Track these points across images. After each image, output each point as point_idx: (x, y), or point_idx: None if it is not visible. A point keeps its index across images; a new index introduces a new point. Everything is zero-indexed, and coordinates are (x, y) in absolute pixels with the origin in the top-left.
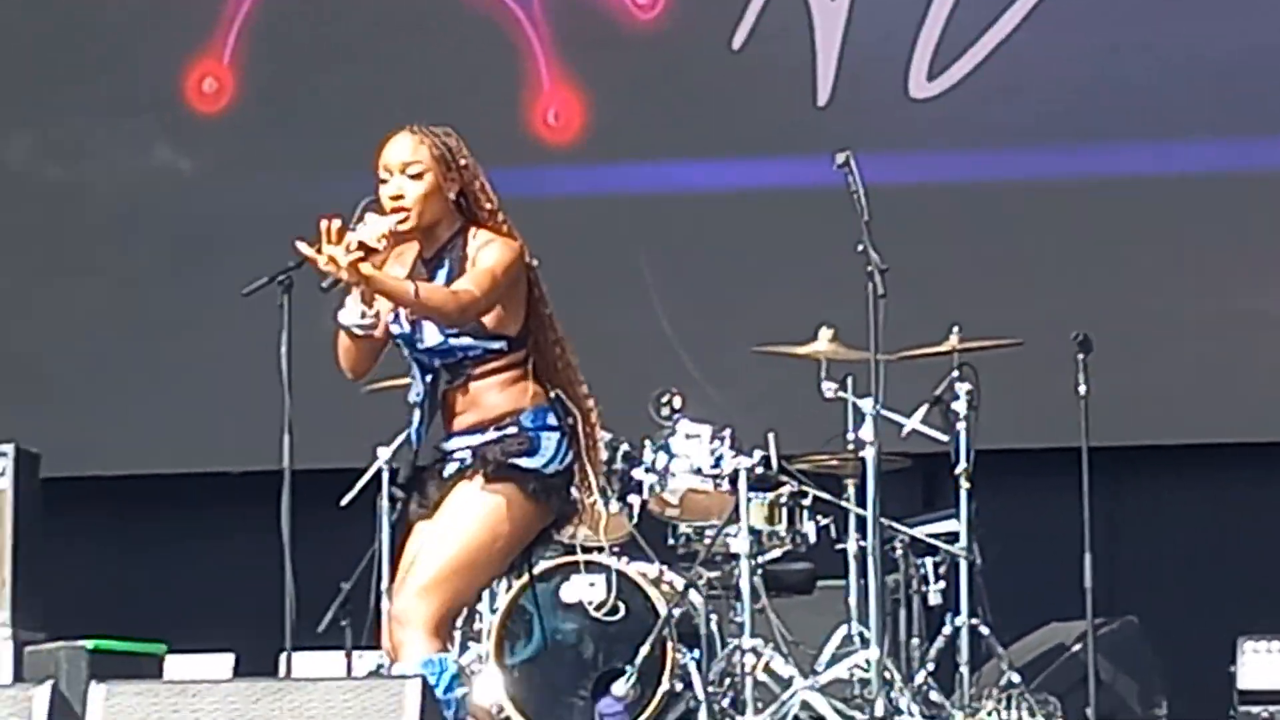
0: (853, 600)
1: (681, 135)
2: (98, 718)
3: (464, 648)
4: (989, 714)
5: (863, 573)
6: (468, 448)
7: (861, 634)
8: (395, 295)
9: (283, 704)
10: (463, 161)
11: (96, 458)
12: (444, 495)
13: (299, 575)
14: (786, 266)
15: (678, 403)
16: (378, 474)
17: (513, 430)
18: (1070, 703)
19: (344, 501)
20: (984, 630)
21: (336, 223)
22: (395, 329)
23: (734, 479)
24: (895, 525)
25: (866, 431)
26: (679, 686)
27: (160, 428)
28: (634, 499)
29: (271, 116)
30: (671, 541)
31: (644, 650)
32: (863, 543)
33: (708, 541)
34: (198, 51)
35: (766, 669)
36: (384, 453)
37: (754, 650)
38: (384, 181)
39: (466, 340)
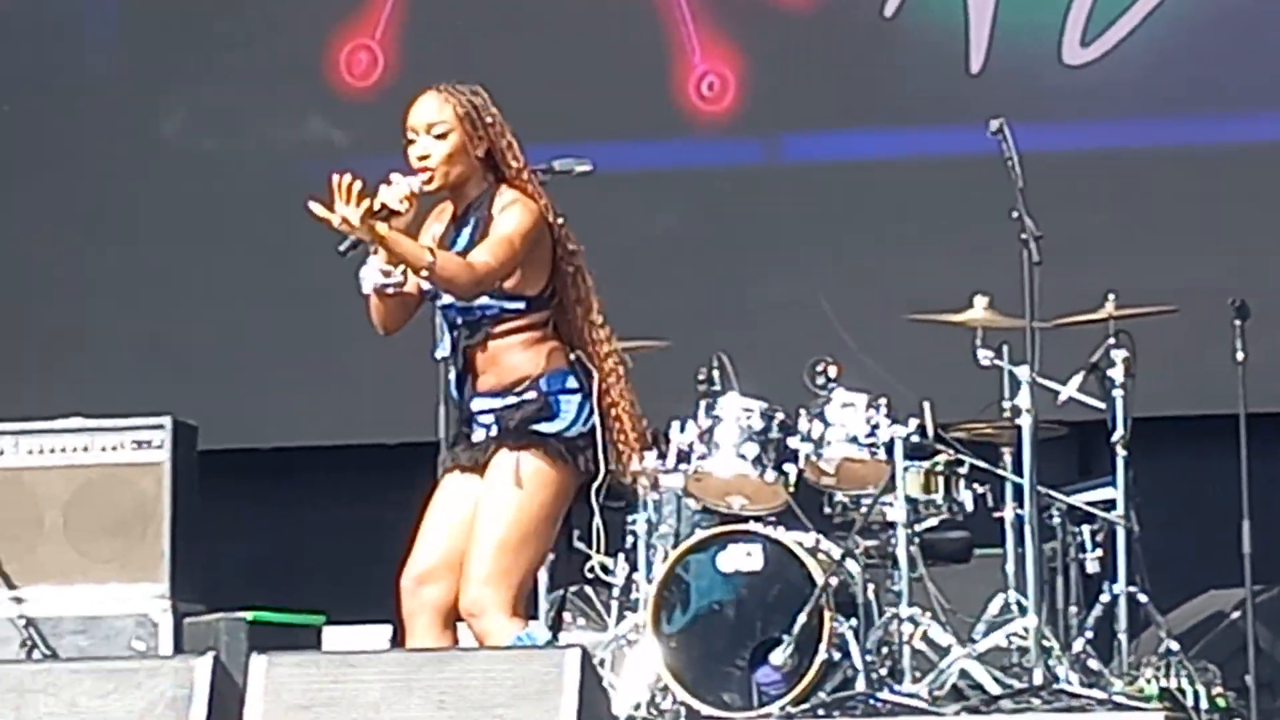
0: (1010, 568)
1: (834, 104)
2: (259, 689)
3: (620, 617)
4: (1148, 681)
5: (1020, 541)
6: (489, 411)
7: (1019, 602)
8: (410, 259)
9: (443, 674)
10: (489, 119)
11: (252, 430)
12: (475, 461)
13: None
14: (941, 234)
15: (833, 371)
16: None
17: (531, 395)
18: (1229, 670)
19: None
20: (1142, 598)
21: (348, 177)
22: (426, 284)
23: (890, 447)
24: (1052, 493)
25: (1022, 399)
26: (836, 655)
27: (315, 399)
28: (790, 468)
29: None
30: (828, 510)
31: (801, 619)
32: (1019, 511)
33: (864, 510)
34: (350, 24)
35: (924, 637)
36: None
37: (911, 619)
38: (411, 142)
39: (485, 299)
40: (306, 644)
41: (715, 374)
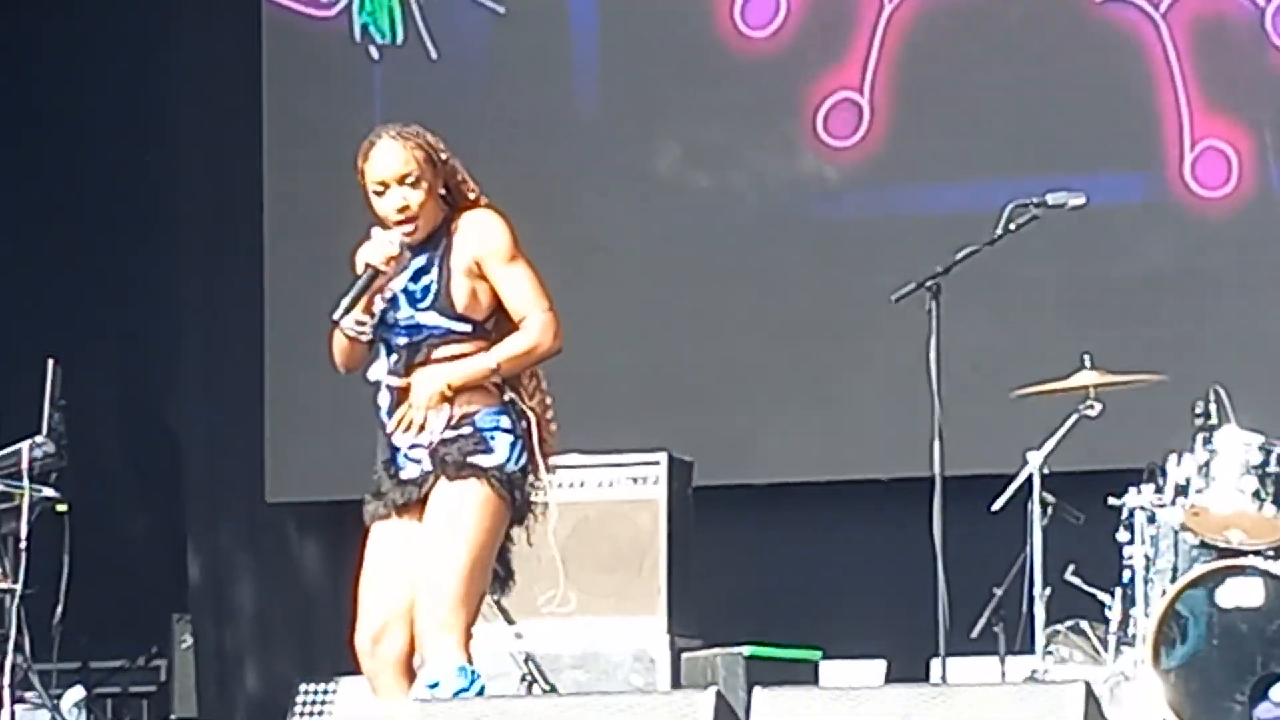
0: None
1: None
2: None
3: (1118, 652)
4: None
5: None
6: (420, 447)
7: None
8: (478, 378)
9: (943, 710)
10: (444, 157)
11: (746, 465)
12: (409, 499)
13: (950, 580)
14: None
15: None
16: (1028, 479)
17: (467, 430)
18: None
19: (995, 506)
20: None
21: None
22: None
23: None
24: None
25: None
26: None
27: (808, 435)
28: None
29: (918, 122)
30: None
31: None
32: None
33: None
34: (833, 71)
35: None
36: (1034, 457)
37: None
38: (379, 194)
39: (433, 317)
40: (803, 679)
41: (1212, 407)
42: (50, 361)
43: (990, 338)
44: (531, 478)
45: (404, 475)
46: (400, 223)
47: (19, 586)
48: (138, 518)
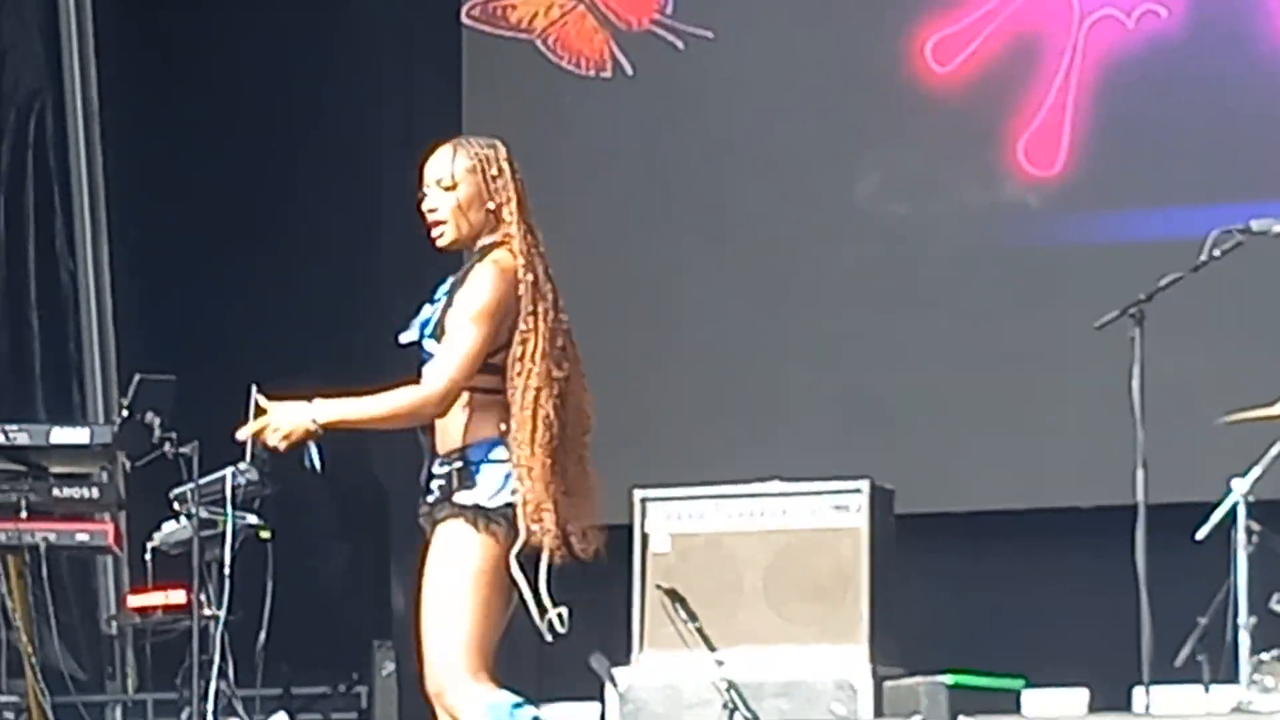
0: None
1: None
2: None
3: None
4: None
5: None
6: (437, 476)
7: None
8: (362, 420)
9: None
10: (494, 173)
11: (946, 493)
12: (434, 528)
13: (1153, 609)
14: None
15: None
16: (1233, 507)
17: (459, 464)
18: None
19: (1199, 535)
20: None
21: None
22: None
23: None
24: None
25: None
26: None
27: (1008, 462)
28: None
29: (1118, 149)
30: None
31: None
32: None
33: None
34: (1037, 91)
35: None
36: (1239, 485)
37: None
38: (424, 196)
39: (433, 345)
40: (1006, 708)
41: None
42: (254, 388)
43: (1194, 364)
44: (525, 509)
45: (429, 500)
46: (430, 225)
47: (223, 612)
48: (340, 544)
